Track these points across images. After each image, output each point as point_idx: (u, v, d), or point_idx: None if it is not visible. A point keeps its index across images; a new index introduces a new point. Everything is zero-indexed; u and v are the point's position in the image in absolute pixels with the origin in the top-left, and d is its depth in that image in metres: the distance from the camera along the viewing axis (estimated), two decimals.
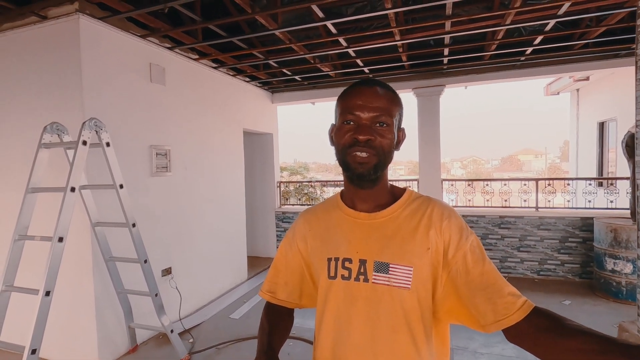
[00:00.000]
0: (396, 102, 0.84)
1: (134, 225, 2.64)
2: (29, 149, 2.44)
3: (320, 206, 0.98)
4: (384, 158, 0.82)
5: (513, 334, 0.73)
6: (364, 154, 0.79)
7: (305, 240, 0.94)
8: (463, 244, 0.79)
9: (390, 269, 0.80)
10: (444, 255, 0.80)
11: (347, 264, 0.84)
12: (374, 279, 0.81)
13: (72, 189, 2.23)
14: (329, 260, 0.86)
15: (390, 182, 0.93)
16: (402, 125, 0.89)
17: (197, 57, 3.86)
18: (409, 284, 0.79)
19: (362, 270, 0.82)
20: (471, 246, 0.79)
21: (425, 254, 0.80)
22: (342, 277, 0.84)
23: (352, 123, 0.81)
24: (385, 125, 0.81)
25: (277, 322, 0.96)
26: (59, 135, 2.53)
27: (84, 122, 2.33)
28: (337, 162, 0.87)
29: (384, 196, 0.88)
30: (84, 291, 2.77)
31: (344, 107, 0.83)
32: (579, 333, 0.64)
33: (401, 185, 0.96)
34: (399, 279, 0.80)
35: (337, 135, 0.84)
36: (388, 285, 0.80)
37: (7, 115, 2.94)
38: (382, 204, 0.88)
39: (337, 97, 0.89)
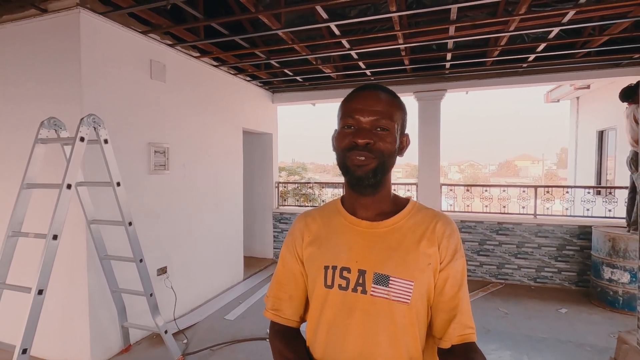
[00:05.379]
0: (398, 107, 0.82)
1: (130, 223, 2.60)
2: (26, 143, 2.40)
3: (319, 210, 0.95)
4: (383, 162, 0.80)
5: (440, 354, 0.82)
6: (362, 158, 0.78)
7: (302, 245, 0.91)
8: (450, 266, 0.81)
9: (390, 282, 0.79)
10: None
11: (345, 274, 0.81)
12: (373, 291, 0.79)
13: (68, 186, 2.19)
14: (326, 268, 0.83)
15: (393, 192, 0.91)
16: (407, 131, 0.87)
17: (198, 54, 3.83)
18: (409, 299, 0.78)
19: (360, 281, 0.80)
20: (455, 271, 0.82)
21: (427, 269, 0.80)
22: (340, 286, 0.82)
23: (352, 127, 0.80)
24: (385, 129, 0.79)
25: (296, 343, 0.89)
26: (56, 130, 2.48)
27: (82, 118, 2.29)
28: (336, 164, 0.86)
29: (386, 204, 0.87)
30: (78, 290, 2.72)
31: (345, 111, 0.82)
32: None
33: (400, 188, 0.94)
34: (399, 293, 0.78)
35: (337, 139, 0.83)
36: (387, 298, 0.78)
37: (4, 109, 2.90)
38: (384, 212, 0.86)
39: (338, 99, 0.87)
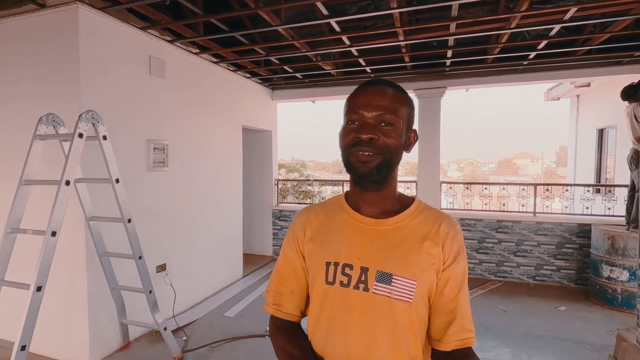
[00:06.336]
0: (403, 102, 0.81)
1: (129, 220, 2.59)
2: (25, 142, 2.38)
3: (322, 205, 0.94)
4: (388, 158, 0.78)
5: (434, 355, 0.82)
6: (366, 153, 0.77)
7: (304, 239, 0.90)
8: (452, 268, 0.81)
9: (393, 280, 0.78)
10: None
11: (347, 270, 0.80)
12: (375, 289, 0.78)
13: (67, 183, 2.18)
14: (328, 264, 0.82)
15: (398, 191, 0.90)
16: (414, 127, 0.86)
17: (197, 51, 3.81)
18: (411, 298, 0.77)
19: (362, 278, 0.79)
20: (456, 273, 0.81)
21: (430, 269, 0.79)
22: (341, 283, 0.80)
23: (356, 123, 0.79)
24: (390, 124, 0.78)
25: (299, 339, 0.88)
26: (54, 126, 2.47)
27: (80, 115, 2.28)
28: (336, 161, 0.85)
29: (390, 202, 0.85)
30: (77, 286, 2.72)
31: (350, 106, 0.81)
32: None
33: (399, 186, 0.93)
34: (401, 292, 0.77)
35: (342, 135, 0.82)
36: (389, 297, 0.77)
37: (4, 108, 2.87)
38: (389, 210, 0.84)
39: (337, 96, 0.86)
